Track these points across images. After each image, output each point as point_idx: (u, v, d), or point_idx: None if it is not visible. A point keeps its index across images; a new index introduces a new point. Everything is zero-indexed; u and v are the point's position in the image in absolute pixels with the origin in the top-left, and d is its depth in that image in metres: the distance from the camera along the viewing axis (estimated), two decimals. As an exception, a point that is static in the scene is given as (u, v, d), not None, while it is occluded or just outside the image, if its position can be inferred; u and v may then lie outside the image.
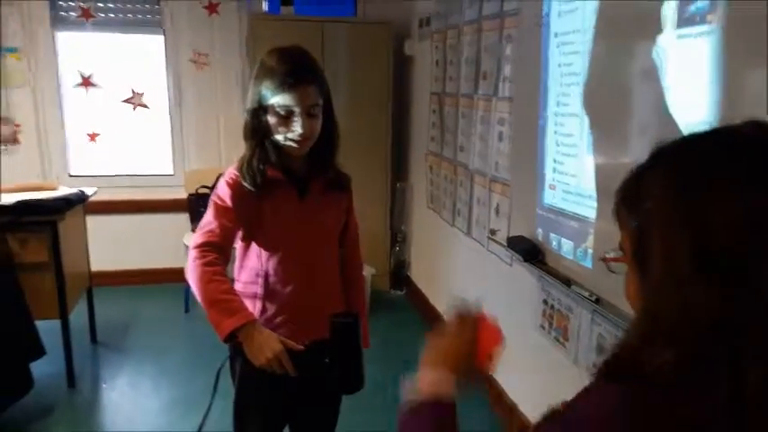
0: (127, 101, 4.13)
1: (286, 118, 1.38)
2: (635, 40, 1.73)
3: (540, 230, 2.31)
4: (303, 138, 1.40)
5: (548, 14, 2.21)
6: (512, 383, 2.68)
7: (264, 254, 1.48)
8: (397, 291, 4.31)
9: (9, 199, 2.68)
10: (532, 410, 2.48)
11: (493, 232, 2.78)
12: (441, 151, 3.48)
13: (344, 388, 1.36)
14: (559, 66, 2.14)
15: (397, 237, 4.32)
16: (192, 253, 1.37)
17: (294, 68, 1.38)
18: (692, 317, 0.60)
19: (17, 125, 3.95)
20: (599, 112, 1.91)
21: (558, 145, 2.16)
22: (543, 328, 2.32)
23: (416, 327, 3.81)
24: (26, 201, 2.67)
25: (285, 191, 1.47)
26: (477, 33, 2.88)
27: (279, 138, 1.42)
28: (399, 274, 4.31)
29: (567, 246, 2.09)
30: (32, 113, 3.97)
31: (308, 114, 1.39)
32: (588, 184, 1.94)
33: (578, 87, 2.01)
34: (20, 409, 2.52)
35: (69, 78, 4.06)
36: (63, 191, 2.98)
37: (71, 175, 4.11)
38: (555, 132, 2.17)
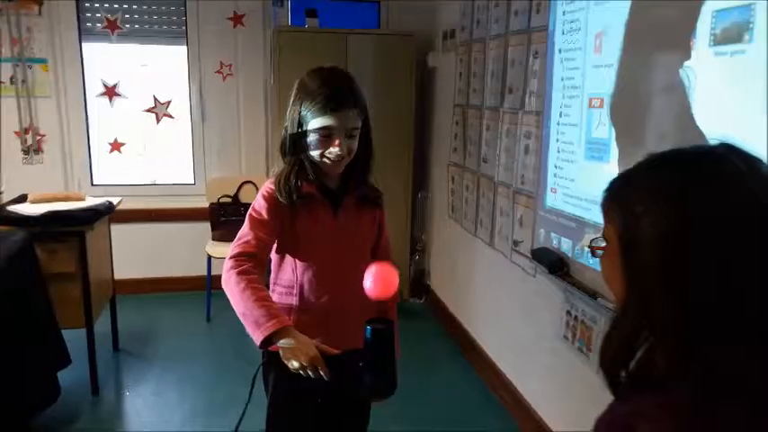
0: (149, 110, 4.17)
1: (325, 138, 1.42)
2: (664, 55, 1.77)
3: (542, 231, 2.47)
4: (340, 158, 1.44)
5: (552, 31, 2.40)
6: (533, 393, 2.70)
7: (299, 267, 1.51)
8: (416, 299, 4.31)
9: (37, 209, 2.71)
10: (554, 420, 2.50)
11: (516, 243, 2.78)
12: (463, 162, 3.49)
13: (377, 393, 1.38)
14: (562, 79, 2.33)
15: (417, 245, 4.32)
16: (228, 263, 1.40)
17: (337, 93, 1.41)
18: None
19: (41, 135, 4.00)
20: (626, 124, 1.95)
21: (559, 152, 2.34)
22: (567, 338, 2.34)
23: (435, 335, 3.81)
24: (55, 211, 2.69)
25: (320, 206, 1.50)
26: (503, 48, 2.90)
27: (315, 155, 1.45)
28: (419, 283, 4.31)
29: (566, 244, 2.28)
30: (57, 123, 4.02)
31: (347, 136, 1.43)
32: (583, 188, 2.16)
33: (578, 100, 2.18)
34: (45, 416, 2.54)
35: (94, 89, 4.11)
36: (90, 201, 3.00)
37: (94, 184, 4.15)
38: (557, 140, 2.36)
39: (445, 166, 3.81)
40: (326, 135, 1.42)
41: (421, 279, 4.31)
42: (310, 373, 1.29)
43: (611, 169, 2.00)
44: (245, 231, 1.46)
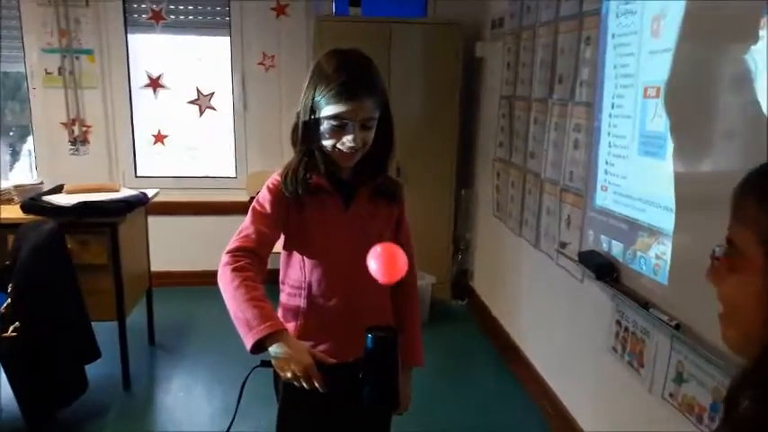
0: (192, 102, 4.16)
1: (338, 127, 1.29)
2: (728, 42, 1.57)
3: (590, 232, 2.29)
4: (353, 150, 1.31)
5: (606, 15, 2.22)
6: (576, 404, 2.52)
7: (307, 265, 1.39)
8: (458, 300, 4.15)
9: (70, 200, 2.70)
10: None
11: (563, 245, 2.59)
12: (509, 158, 3.30)
13: (375, 404, 1.25)
14: (615, 67, 2.15)
15: (461, 245, 4.15)
16: (224, 258, 1.29)
17: (352, 79, 1.27)
18: None
19: (88, 126, 4.04)
20: (682, 115, 1.76)
21: (610, 146, 2.15)
22: (615, 350, 2.15)
23: (476, 338, 3.65)
24: (86, 202, 2.67)
25: (330, 199, 1.37)
26: (553, 35, 2.71)
27: (327, 145, 1.32)
28: (461, 284, 4.15)
29: (616, 247, 2.09)
30: (102, 114, 4.06)
31: (361, 127, 1.29)
32: (636, 186, 1.97)
33: (633, 89, 1.98)
34: (74, 409, 2.51)
35: (138, 80, 4.12)
36: (124, 192, 2.98)
37: (137, 176, 4.17)
38: (609, 134, 2.18)
39: (490, 161, 3.63)
40: (340, 124, 1.29)
41: (463, 280, 4.14)
42: (303, 383, 1.17)
43: (666, 166, 1.80)
44: (245, 225, 1.35)
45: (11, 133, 4.39)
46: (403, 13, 3.78)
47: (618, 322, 2.14)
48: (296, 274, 1.41)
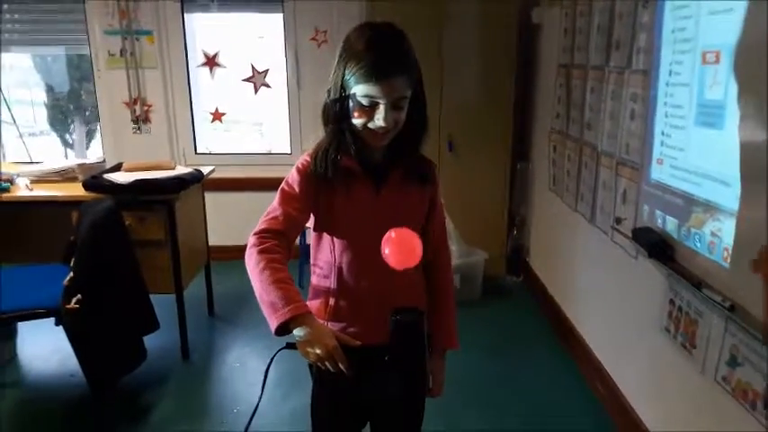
0: (247, 80, 4.21)
1: (369, 107, 1.26)
2: None
3: (645, 207, 2.19)
4: (384, 130, 1.28)
5: None
6: (629, 385, 2.45)
7: (337, 247, 1.39)
8: (513, 277, 4.07)
9: (128, 177, 2.80)
10: (648, 415, 2.26)
11: (618, 221, 2.48)
12: (566, 129, 3.18)
13: (400, 390, 1.25)
14: (673, 32, 2.01)
15: (516, 220, 4.05)
16: (251, 239, 1.29)
17: (383, 58, 1.23)
18: None
19: (149, 105, 4.18)
20: (752, 81, 1.59)
21: (667, 117, 2.04)
22: (668, 331, 2.07)
23: (531, 316, 3.58)
24: (143, 180, 2.77)
25: (360, 181, 1.35)
26: (611, -4, 2.56)
27: (357, 125, 1.30)
28: (517, 260, 4.06)
29: (671, 223, 2.01)
30: (162, 94, 4.18)
31: (393, 106, 1.26)
32: (693, 159, 1.87)
33: (690, 55, 1.87)
34: (135, 377, 2.64)
35: (196, 59, 4.21)
36: (179, 170, 3.06)
37: (197, 153, 4.28)
38: (665, 103, 2.05)
39: (547, 133, 3.50)
40: (370, 104, 1.26)
41: (519, 255, 4.05)
42: (328, 366, 1.17)
43: (724, 137, 1.67)
44: (274, 206, 1.35)
45: (87, 113, 4.59)
46: (456, -18, 3.67)
47: (671, 302, 2.04)
48: (326, 256, 1.41)
